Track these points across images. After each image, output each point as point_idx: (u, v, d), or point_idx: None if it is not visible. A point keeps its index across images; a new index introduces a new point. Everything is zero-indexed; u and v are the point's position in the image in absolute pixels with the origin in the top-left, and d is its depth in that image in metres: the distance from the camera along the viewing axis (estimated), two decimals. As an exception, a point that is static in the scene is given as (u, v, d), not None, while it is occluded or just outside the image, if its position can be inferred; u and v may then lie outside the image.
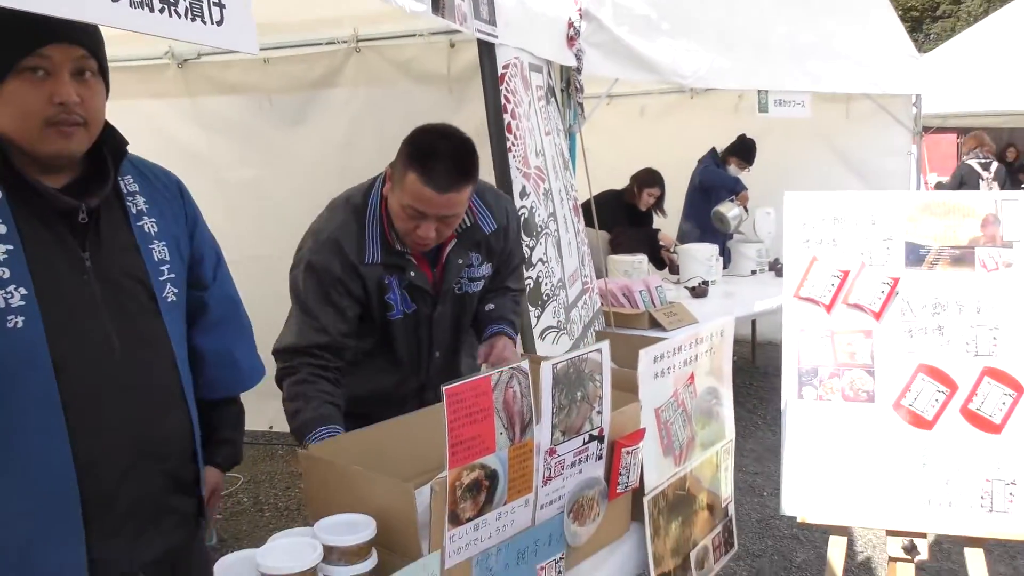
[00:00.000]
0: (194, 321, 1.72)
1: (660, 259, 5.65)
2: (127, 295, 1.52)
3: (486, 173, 2.84)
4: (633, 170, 5.80)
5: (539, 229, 2.83)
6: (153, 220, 1.58)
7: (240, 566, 1.28)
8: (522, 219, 2.70)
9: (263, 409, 2.87)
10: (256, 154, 4.29)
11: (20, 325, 1.35)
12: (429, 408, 1.77)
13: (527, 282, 2.75)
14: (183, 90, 4.26)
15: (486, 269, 2.23)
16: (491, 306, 2.30)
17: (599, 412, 1.61)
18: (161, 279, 1.57)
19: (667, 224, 6.06)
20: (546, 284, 2.86)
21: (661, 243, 5.72)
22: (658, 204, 5.80)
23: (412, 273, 2.07)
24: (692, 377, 2.01)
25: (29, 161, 1.41)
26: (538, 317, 2.81)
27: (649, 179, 5.70)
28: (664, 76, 3.84)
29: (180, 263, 1.63)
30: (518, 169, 2.66)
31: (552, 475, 1.54)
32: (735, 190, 5.84)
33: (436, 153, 1.90)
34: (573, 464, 1.58)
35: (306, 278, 2.02)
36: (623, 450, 1.68)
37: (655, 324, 3.91)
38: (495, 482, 1.43)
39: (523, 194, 2.71)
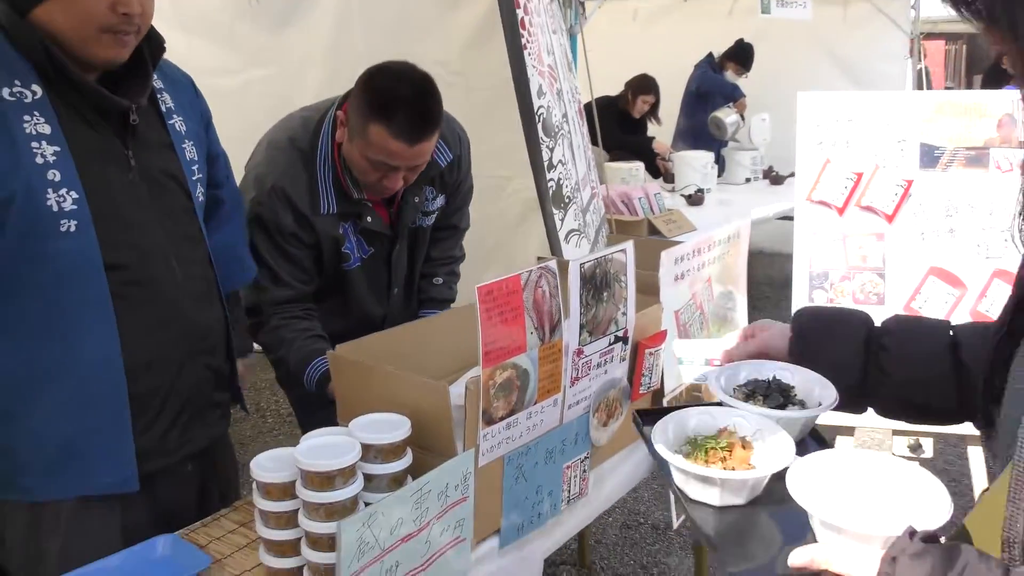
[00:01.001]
0: (209, 217, 1.70)
1: (655, 167, 5.59)
2: (169, 194, 1.52)
3: (502, 67, 2.75)
4: (625, 77, 5.68)
5: (556, 130, 2.76)
6: (181, 119, 1.57)
7: (276, 463, 1.28)
8: (540, 119, 2.63)
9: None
10: (240, 58, 4.12)
11: (73, 229, 1.34)
12: (450, 310, 1.75)
13: (550, 184, 2.71)
14: (163, -12, 4.06)
15: (439, 201, 2.14)
16: (439, 279, 2.25)
17: (624, 313, 1.60)
18: (193, 179, 1.57)
19: (661, 132, 5.98)
20: (566, 186, 2.81)
21: (656, 151, 5.66)
22: (652, 111, 5.71)
23: (368, 218, 1.97)
24: (709, 280, 2.01)
25: (69, 58, 1.35)
26: (562, 220, 2.78)
27: (644, 86, 5.60)
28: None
29: (204, 163, 1.63)
30: (533, 67, 2.57)
31: (579, 375, 1.54)
32: (732, 96, 5.75)
33: (399, 101, 1.76)
34: (599, 365, 1.58)
35: (256, 232, 1.89)
36: (646, 351, 1.68)
37: (654, 231, 3.89)
38: (526, 382, 1.42)
39: (540, 93, 2.63)
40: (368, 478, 1.29)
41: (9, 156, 1.29)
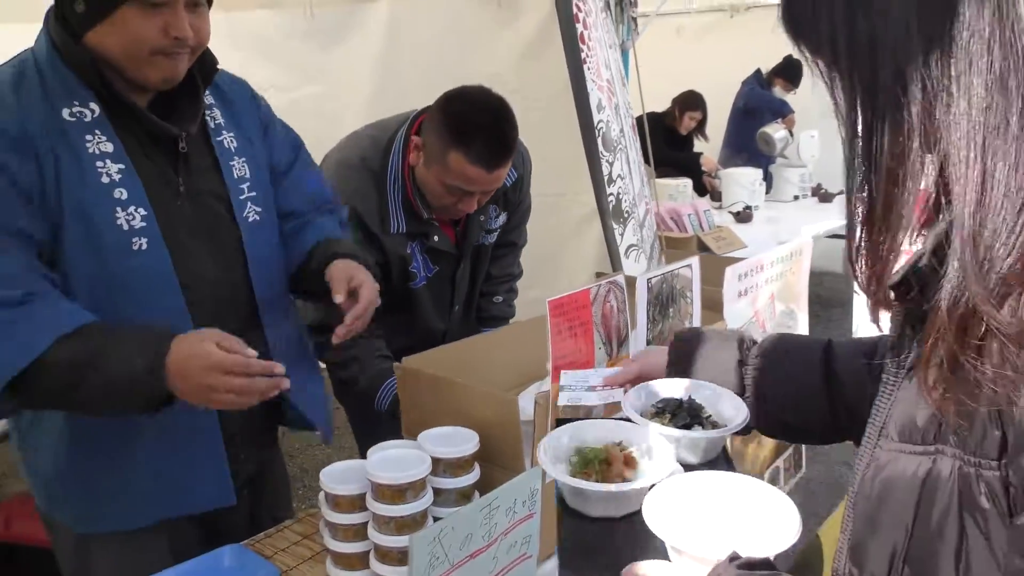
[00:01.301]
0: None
1: (701, 185, 5.55)
2: (212, 214, 1.48)
3: (555, 81, 2.72)
4: (671, 92, 5.66)
5: (614, 144, 2.76)
6: (232, 135, 1.52)
7: (346, 474, 1.28)
8: (600, 134, 2.64)
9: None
10: (292, 76, 4.17)
11: (145, 247, 1.34)
12: (513, 324, 1.75)
13: (610, 199, 2.70)
14: (217, 3, 4.12)
15: (502, 219, 2.16)
16: (499, 298, 2.26)
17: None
18: (241, 198, 1.50)
19: (707, 149, 5.94)
20: (625, 200, 2.81)
21: (704, 167, 5.61)
22: (699, 128, 5.68)
23: (435, 237, 1.99)
24: (772, 297, 1.97)
25: (122, 80, 1.35)
26: (622, 235, 2.78)
27: (691, 102, 5.57)
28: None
29: (262, 180, 1.56)
30: (593, 81, 2.58)
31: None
32: (781, 112, 5.69)
33: (478, 128, 1.79)
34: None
35: None
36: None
37: (704, 248, 3.85)
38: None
39: (599, 108, 2.63)
40: (436, 492, 1.28)
41: (76, 175, 1.29)
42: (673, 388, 1.18)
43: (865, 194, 0.64)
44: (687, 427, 1.10)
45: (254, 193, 1.53)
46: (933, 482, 0.64)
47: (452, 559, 1.18)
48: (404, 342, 2.01)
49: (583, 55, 2.53)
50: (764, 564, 0.74)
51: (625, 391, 1.25)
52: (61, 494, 1.47)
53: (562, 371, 1.32)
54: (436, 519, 1.26)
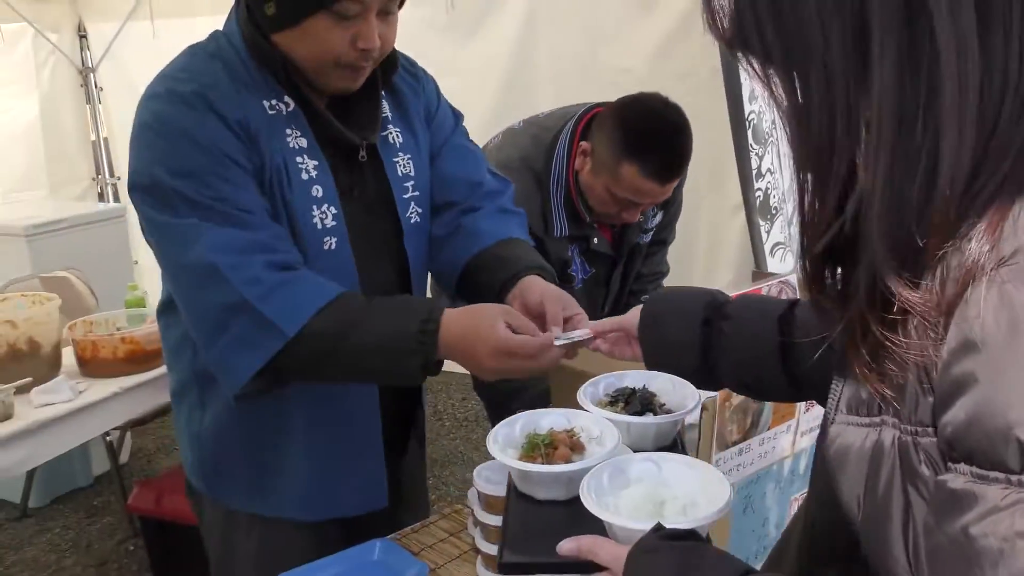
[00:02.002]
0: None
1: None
2: (379, 213, 1.41)
3: (690, 75, 2.59)
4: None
5: (765, 137, 2.62)
6: (398, 130, 1.43)
7: (500, 474, 1.23)
8: (751, 125, 2.51)
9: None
10: (429, 69, 4.18)
11: (334, 247, 1.31)
12: None
13: (757, 194, 2.57)
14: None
15: (658, 219, 2.07)
16: (647, 297, 2.13)
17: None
18: (405, 197, 1.42)
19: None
20: (774, 196, 2.67)
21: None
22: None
23: (595, 240, 1.93)
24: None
25: (303, 80, 1.30)
26: (768, 232, 2.65)
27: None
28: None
29: (424, 178, 1.46)
30: (744, 70, 2.45)
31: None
32: None
33: (655, 141, 1.71)
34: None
35: None
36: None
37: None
38: (761, 405, 1.31)
39: (752, 98, 2.51)
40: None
41: (282, 169, 1.26)
42: (629, 378, 1.19)
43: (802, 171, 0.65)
44: (639, 413, 1.10)
45: (417, 193, 1.45)
46: (878, 453, 0.63)
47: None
48: None
49: (737, 41, 2.40)
50: (688, 535, 0.77)
51: (600, 341, 1.22)
52: (219, 469, 1.46)
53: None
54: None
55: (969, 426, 0.52)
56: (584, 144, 1.83)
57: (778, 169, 2.70)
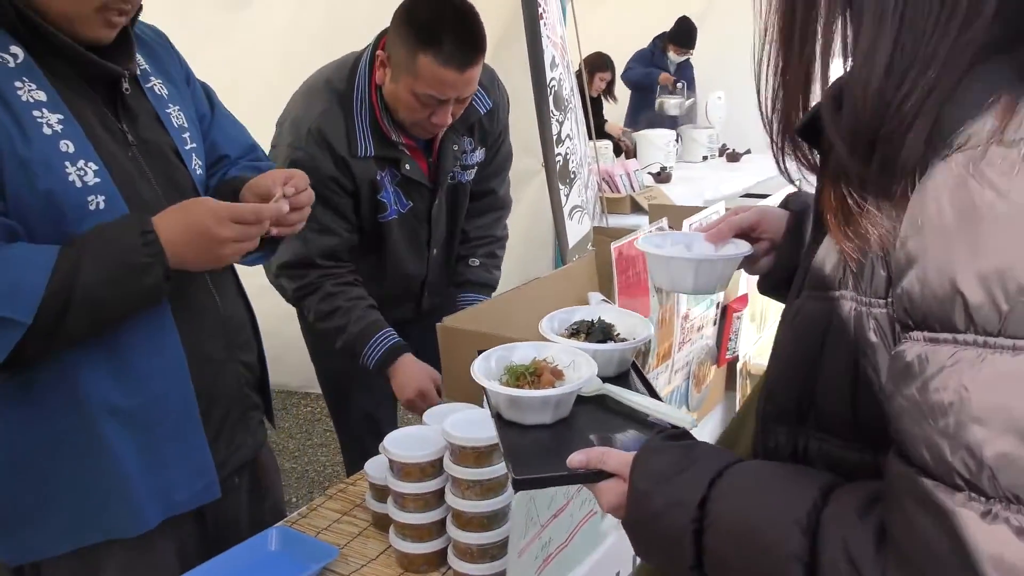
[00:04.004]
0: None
1: (617, 147, 5.60)
2: (173, 169, 1.32)
3: (519, 42, 2.63)
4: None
5: (565, 103, 2.70)
6: (160, 82, 1.35)
7: (411, 441, 1.20)
8: (552, 92, 2.57)
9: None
10: (189, 42, 3.86)
11: (103, 206, 1.17)
12: (551, 275, 1.67)
13: (557, 159, 2.63)
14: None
15: (479, 155, 2.03)
16: (475, 262, 2.12)
17: (719, 276, 1.57)
18: (186, 148, 1.36)
19: (616, 110, 5.99)
20: (572, 161, 2.76)
21: (609, 132, 5.66)
22: (608, 89, 5.71)
23: (407, 166, 1.87)
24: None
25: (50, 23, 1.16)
26: (567, 195, 2.72)
27: (600, 63, 5.59)
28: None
29: (196, 129, 1.42)
30: (548, 38, 2.51)
31: (684, 340, 1.50)
32: (651, 86, 5.83)
33: (446, 26, 1.68)
34: (699, 328, 1.55)
35: None
36: (734, 315, 1.66)
37: (637, 208, 3.89)
38: (648, 348, 1.38)
39: (552, 65, 2.57)
40: (505, 453, 1.22)
41: (15, 129, 1.11)
42: (580, 312, 1.28)
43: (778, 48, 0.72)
44: (601, 343, 1.19)
45: (195, 144, 1.39)
46: (836, 323, 0.71)
47: (542, 519, 1.14)
48: (377, 291, 1.91)
49: (540, 10, 2.46)
50: (683, 435, 0.88)
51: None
52: (22, 513, 1.25)
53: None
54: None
55: (922, 293, 0.59)
56: (380, 53, 1.79)
57: (575, 135, 2.82)
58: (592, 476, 0.88)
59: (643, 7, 6.62)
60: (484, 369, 1.08)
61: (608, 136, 5.56)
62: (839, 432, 0.73)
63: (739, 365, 1.80)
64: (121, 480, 1.23)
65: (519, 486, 0.92)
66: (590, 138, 3.56)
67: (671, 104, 5.79)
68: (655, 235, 1.26)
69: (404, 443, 1.20)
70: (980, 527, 0.55)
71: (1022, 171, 0.56)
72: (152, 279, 1.15)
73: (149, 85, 1.33)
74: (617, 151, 5.55)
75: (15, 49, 1.13)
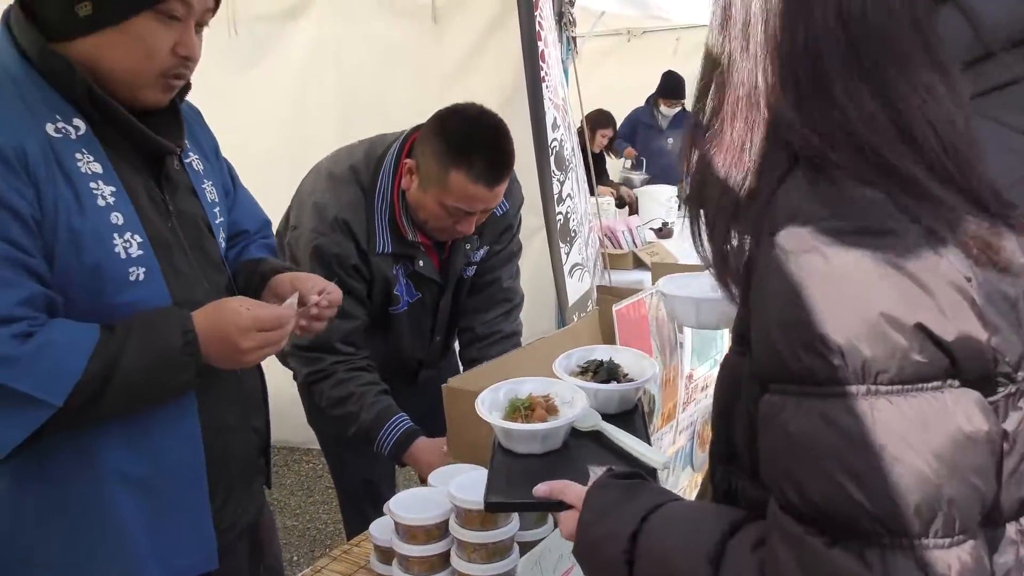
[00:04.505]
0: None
1: (620, 198, 5.65)
2: (204, 239, 1.37)
3: (521, 103, 2.69)
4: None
5: (567, 163, 2.75)
6: (197, 157, 1.41)
7: (417, 503, 1.20)
8: (553, 152, 2.61)
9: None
10: (205, 100, 3.93)
11: (142, 277, 1.21)
12: (552, 336, 1.68)
13: (558, 218, 2.67)
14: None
15: (481, 253, 2.07)
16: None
17: (722, 336, 1.59)
18: (216, 223, 1.41)
19: (618, 165, 6.06)
20: (573, 220, 2.79)
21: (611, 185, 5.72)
22: (611, 145, 5.79)
23: (421, 262, 1.92)
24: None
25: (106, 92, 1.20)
26: (567, 254, 2.75)
27: (602, 120, 5.67)
28: (650, 11, 3.78)
29: (223, 204, 1.47)
30: (550, 100, 2.56)
31: (689, 400, 1.51)
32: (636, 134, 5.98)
33: (476, 144, 1.74)
34: (703, 388, 1.55)
35: (316, 265, 1.80)
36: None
37: (639, 264, 3.91)
38: (653, 407, 1.38)
39: (554, 126, 2.62)
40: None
41: (72, 199, 1.14)
42: (598, 352, 1.37)
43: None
44: (605, 382, 1.29)
45: (222, 219, 1.45)
46: (740, 375, 0.81)
47: (548, 582, 1.13)
48: (376, 369, 1.94)
49: (543, 73, 2.52)
50: (633, 475, 0.95)
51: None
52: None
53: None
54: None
55: (763, 352, 0.70)
56: (408, 161, 1.83)
57: (576, 193, 2.85)
58: (555, 505, 0.98)
59: (643, 63, 6.74)
60: (491, 400, 1.20)
61: (610, 183, 5.62)
62: (748, 472, 0.81)
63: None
64: (125, 540, 1.24)
65: (489, 508, 1.04)
66: (591, 194, 3.62)
67: (633, 178, 5.90)
68: (684, 276, 1.39)
69: (409, 505, 1.20)
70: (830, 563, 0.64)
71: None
72: (187, 376, 1.20)
73: (188, 160, 1.38)
74: (620, 204, 5.61)
75: (77, 121, 1.18)
